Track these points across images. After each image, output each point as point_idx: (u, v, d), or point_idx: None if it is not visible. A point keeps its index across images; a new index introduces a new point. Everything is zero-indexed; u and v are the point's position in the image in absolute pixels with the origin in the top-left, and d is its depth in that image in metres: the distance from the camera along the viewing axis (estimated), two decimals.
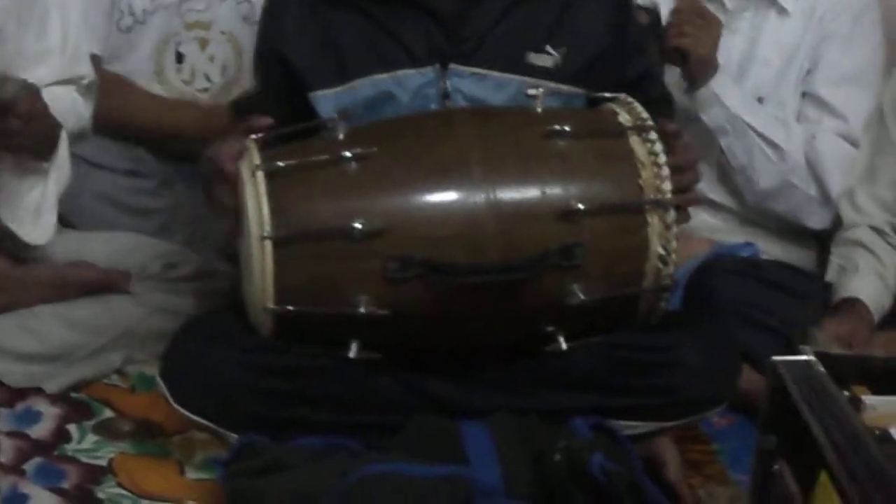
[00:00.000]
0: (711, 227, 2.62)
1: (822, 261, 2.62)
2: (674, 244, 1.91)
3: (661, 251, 1.90)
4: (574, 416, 1.92)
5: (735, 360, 2.07)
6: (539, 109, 1.95)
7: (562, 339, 1.91)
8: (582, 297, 1.87)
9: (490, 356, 1.98)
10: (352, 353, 1.87)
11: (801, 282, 2.51)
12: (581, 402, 1.95)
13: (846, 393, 1.40)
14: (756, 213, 2.65)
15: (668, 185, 1.90)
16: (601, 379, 1.96)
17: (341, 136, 1.90)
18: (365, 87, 2.07)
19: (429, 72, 2.07)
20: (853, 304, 2.38)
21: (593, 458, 1.77)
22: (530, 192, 1.88)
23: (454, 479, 1.77)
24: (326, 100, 2.07)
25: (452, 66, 2.07)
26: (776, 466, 1.42)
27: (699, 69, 2.50)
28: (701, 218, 2.51)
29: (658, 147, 1.91)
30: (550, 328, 1.91)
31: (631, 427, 1.97)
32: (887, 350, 2.21)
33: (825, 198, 2.59)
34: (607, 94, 2.04)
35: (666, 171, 1.90)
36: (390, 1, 2.07)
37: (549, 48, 2.08)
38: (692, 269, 2.41)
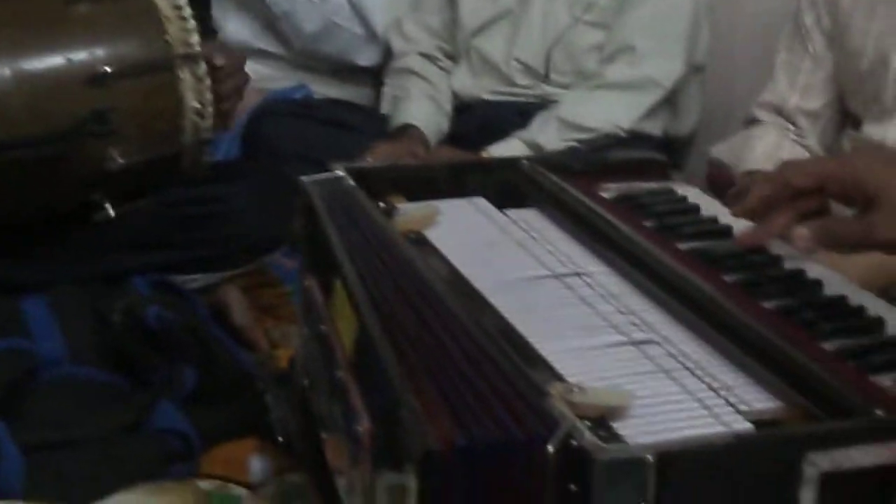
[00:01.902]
0: (262, 77, 2.64)
1: (379, 95, 2.71)
2: (208, 96, 1.90)
3: (197, 105, 1.90)
4: (135, 277, 1.95)
5: (291, 202, 2.12)
6: None
7: (108, 206, 1.90)
8: (121, 160, 1.84)
9: (46, 229, 1.97)
10: None
11: (357, 116, 2.59)
12: (141, 261, 1.98)
13: (382, 204, 1.46)
14: (306, 57, 2.70)
15: (195, 38, 1.88)
16: (157, 237, 1.99)
17: None
18: None
19: None
20: (407, 129, 2.48)
21: (149, 311, 1.80)
22: (56, 61, 1.83)
23: (15, 352, 1.77)
24: None
25: None
26: (306, 283, 1.49)
27: None
28: (252, 68, 2.50)
29: (182, 1, 1.90)
30: (96, 196, 1.90)
31: (193, 280, 2.01)
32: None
33: (371, 35, 2.66)
34: None
35: (192, 23, 1.89)
36: None
37: None
38: (247, 119, 2.46)
